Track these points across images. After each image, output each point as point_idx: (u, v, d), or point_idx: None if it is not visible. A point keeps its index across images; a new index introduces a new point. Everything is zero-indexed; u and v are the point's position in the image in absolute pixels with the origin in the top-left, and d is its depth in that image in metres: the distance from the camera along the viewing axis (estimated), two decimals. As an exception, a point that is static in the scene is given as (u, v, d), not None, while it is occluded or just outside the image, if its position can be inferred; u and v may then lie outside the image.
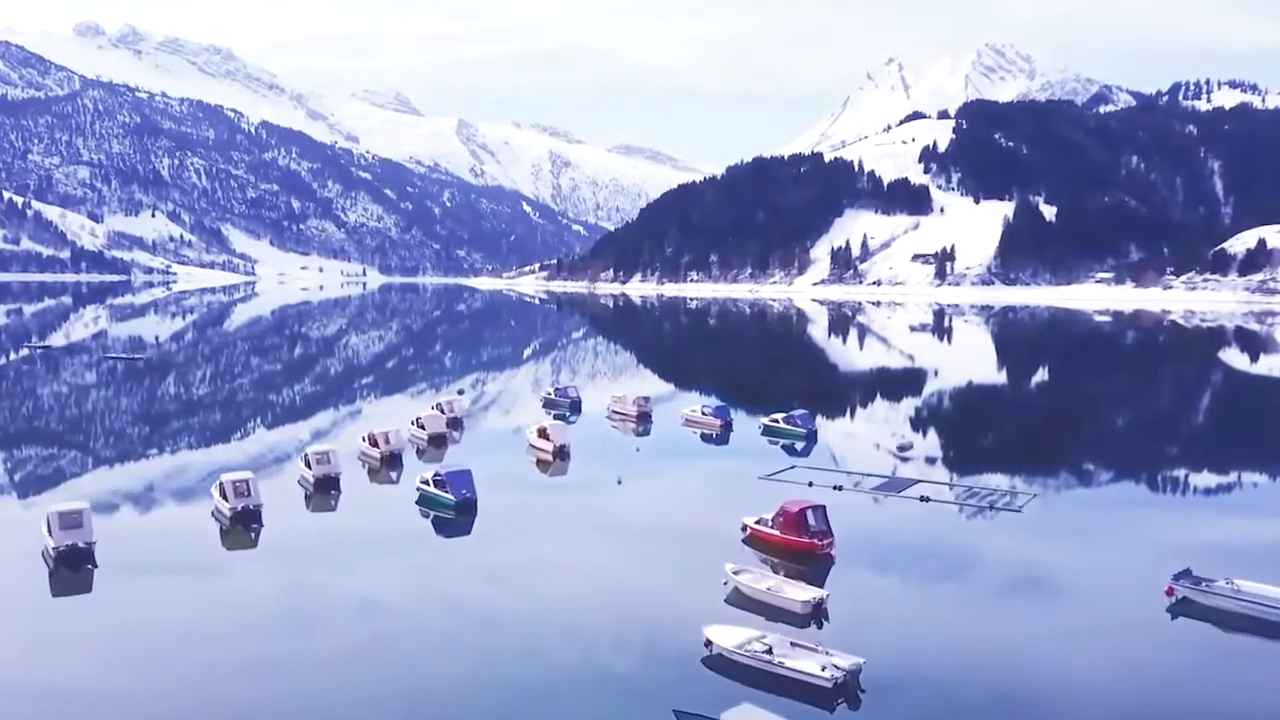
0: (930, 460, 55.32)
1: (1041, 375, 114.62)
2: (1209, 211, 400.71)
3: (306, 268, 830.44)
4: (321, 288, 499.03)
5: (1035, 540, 37.93)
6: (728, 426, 62.39)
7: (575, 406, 71.50)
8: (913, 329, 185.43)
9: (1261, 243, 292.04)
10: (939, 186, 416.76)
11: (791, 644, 25.51)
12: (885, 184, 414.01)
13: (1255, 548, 37.17)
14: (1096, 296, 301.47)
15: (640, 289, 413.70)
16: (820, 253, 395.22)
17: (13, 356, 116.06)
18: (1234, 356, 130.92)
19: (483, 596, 31.34)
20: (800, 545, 34.84)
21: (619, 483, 46.92)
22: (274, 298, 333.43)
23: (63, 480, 49.11)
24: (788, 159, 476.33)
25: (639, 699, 24.07)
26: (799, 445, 57.08)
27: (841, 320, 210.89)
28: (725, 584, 30.90)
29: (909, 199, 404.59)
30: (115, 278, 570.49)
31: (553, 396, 74.70)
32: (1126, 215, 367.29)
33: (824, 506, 36.05)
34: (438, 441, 56.76)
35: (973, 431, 71.82)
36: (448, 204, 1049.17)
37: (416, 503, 42.31)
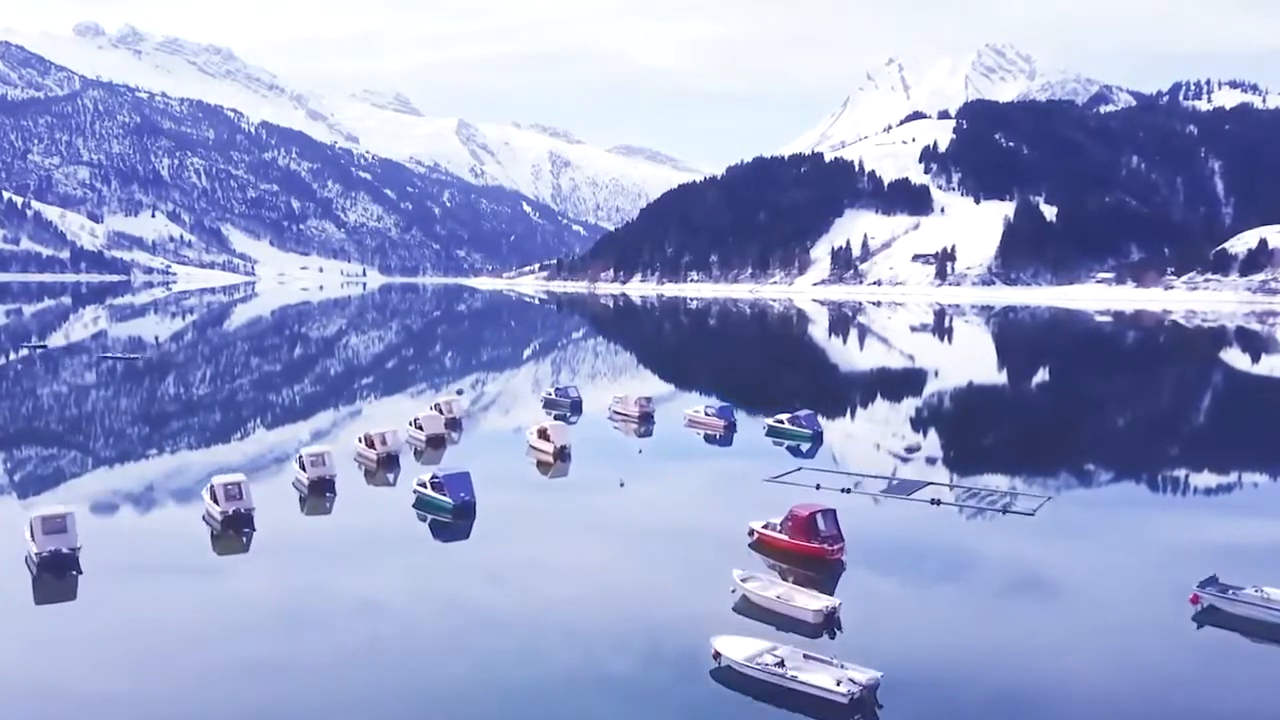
0: (937, 462, 54.46)
1: (1043, 376, 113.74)
2: (1210, 212, 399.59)
3: (306, 268, 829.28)
4: (321, 288, 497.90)
5: (1051, 544, 36.86)
6: (731, 427, 61.36)
7: (576, 407, 70.57)
8: (913, 329, 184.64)
9: (1263, 243, 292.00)
10: (939, 187, 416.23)
11: (804, 656, 24.36)
12: (885, 184, 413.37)
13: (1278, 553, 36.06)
14: (1097, 297, 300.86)
15: (640, 289, 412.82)
16: (820, 253, 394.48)
17: (11, 357, 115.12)
18: (1236, 357, 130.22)
19: (482, 601, 30.34)
20: (810, 551, 33.76)
21: (621, 484, 45.80)
22: (274, 298, 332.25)
23: (53, 483, 48.03)
24: (788, 159, 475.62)
25: (644, 713, 23.09)
26: (804, 446, 56.02)
27: (842, 320, 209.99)
28: (733, 591, 29.81)
29: (909, 199, 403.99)
30: (115, 278, 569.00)
31: (553, 397, 73.76)
32: (1127, 215, 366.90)
33: (834, 510, 34.98)
34: (436, 442, 55.70)
35: (978, 432, 70.95)
36: (448, 204, 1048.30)
37: (414, 506, 41.20)
